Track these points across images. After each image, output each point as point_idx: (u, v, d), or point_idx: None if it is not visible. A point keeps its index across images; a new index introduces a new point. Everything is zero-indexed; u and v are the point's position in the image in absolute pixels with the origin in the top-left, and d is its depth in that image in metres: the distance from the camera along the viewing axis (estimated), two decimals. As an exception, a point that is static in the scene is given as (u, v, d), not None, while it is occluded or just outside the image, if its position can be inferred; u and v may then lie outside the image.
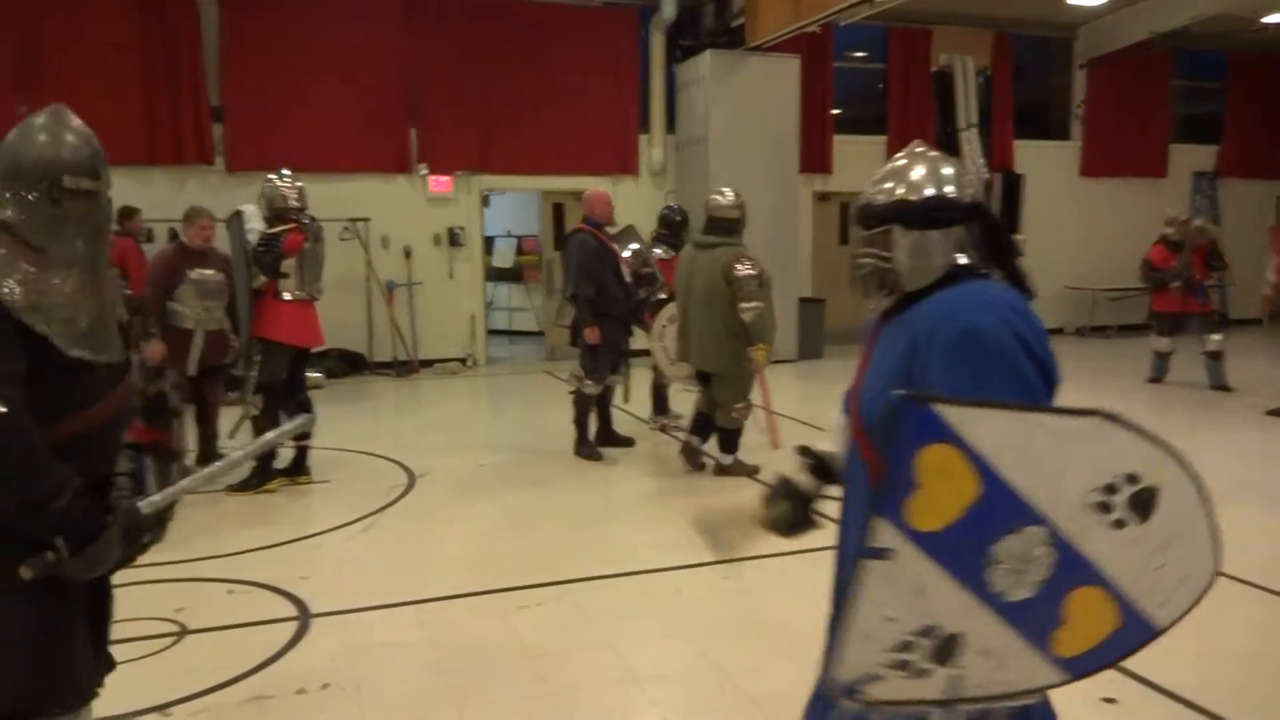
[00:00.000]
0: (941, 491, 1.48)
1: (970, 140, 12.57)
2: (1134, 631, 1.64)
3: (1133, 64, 13.11)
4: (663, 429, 7.47)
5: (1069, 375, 1.82)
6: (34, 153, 2.03)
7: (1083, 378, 9.34)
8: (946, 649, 1.58)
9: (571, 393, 6.69)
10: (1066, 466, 1.51)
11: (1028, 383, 1.67)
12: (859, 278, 1.94)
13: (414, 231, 10.91)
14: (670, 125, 11.64)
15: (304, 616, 3.97)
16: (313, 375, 7.44)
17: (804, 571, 4.26)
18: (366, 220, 10.47)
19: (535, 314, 13.29)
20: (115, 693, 2.43)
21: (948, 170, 1.89)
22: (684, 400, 7.61)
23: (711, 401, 6.09)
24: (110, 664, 2.28)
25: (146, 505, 2.09)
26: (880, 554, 1.51)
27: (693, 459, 6.19)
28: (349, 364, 10.55)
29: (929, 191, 1.86)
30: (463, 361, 11.21)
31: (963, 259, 1.85)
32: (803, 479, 2.12)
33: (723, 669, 3.46)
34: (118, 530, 2.02)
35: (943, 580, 1.53)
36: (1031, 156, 13.04)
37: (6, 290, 1.95)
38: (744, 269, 5.69)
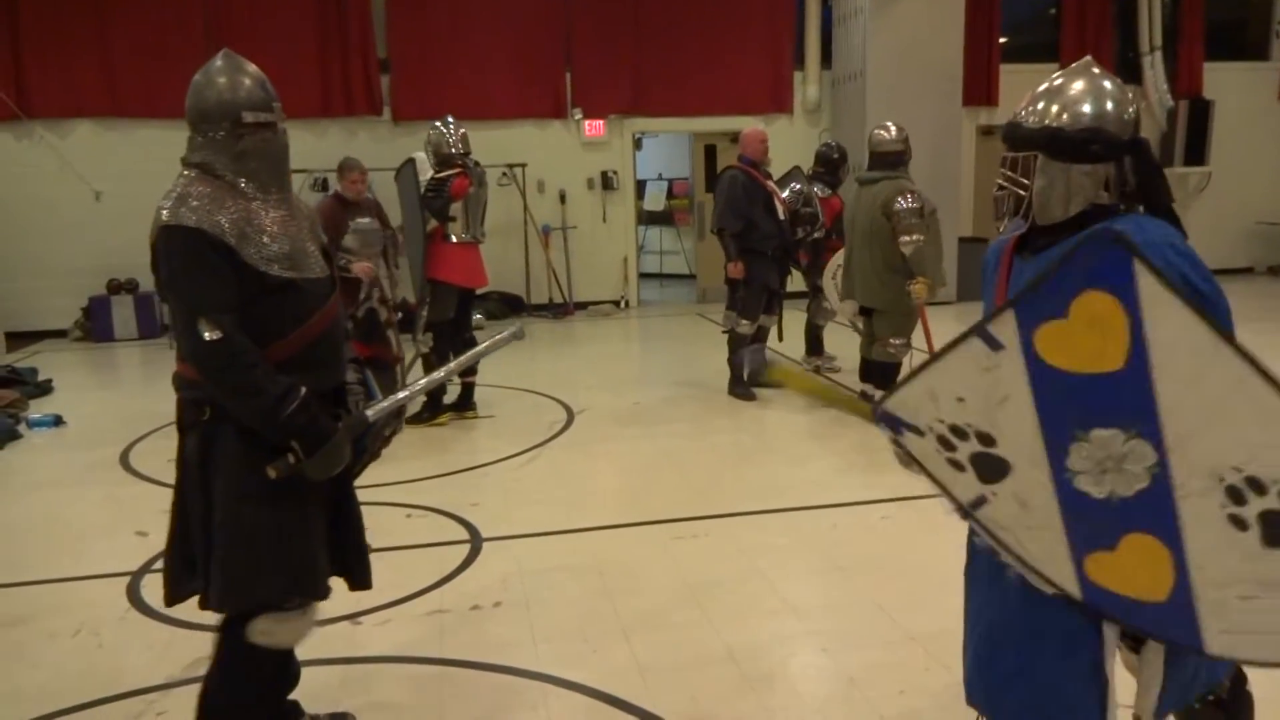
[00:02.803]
0: (1084, 339, 1.41)
1: (1154, 65, 11.72)
2: (1174, 622, 1.53)
3: (1347, -27, 11.81)
4: (816, 370, 7.42)
5: (1253, 317, 1.74)
6: (215, 95, 2.25)
7: (1268, 318, 8.64)
8: (990, 466, 1.59)
9: (725, 332, 6.72)
10: (1227, 424, 1.37)
11: None
12: (993, 198, 1.89)
13: (569, 176, 11.10)
14: (826, 61, 11.33)
15: (475, 540, 4.22)
16: (474, 317, 7.76)
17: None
18: (523, 166, 10.72)
19: (686, 257, 13.33)
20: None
21: (1112, 97, 1.75)
22: (837, 342, 7.53)
23: (870, 338, 6.02)
24: (355, 571, 2.54)
25: (373, 412, 2.34)
26: (991, 340, 1.49)
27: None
28: (508, 306, 10.91)
29: (1086, 122, 1.73)
30: (616, 304, 11.40)
31: (1104, 198, 1.75)
32: None
33: (880, 604, 3.47)
34: (346, 434, 2.25)
35: (1027, 407, 1.50)
36: (1223, 80, 11.98)
37: (218, 225, 2.18)
38: (904, 202, 5.59)
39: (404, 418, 2.64)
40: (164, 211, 2.20)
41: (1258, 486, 1.37)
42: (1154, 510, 1.46)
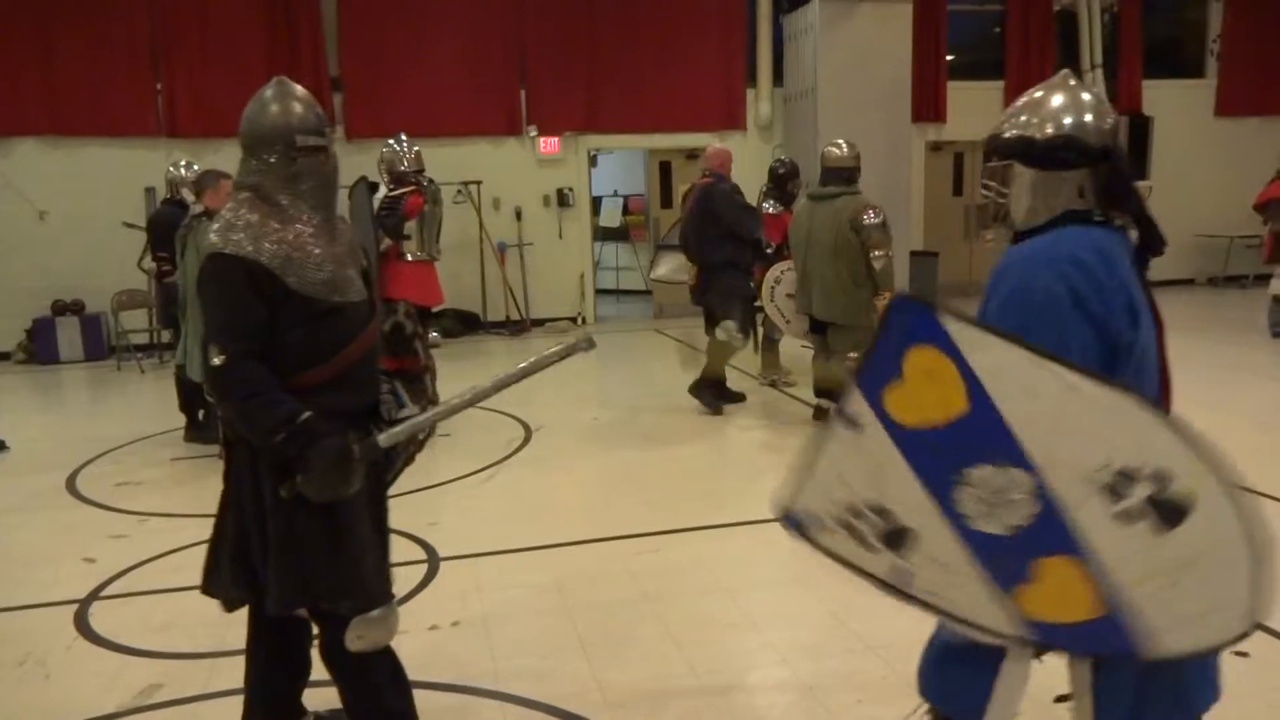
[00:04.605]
0: (925, 392, 1.52)
1: (1095, 81, 12.03)
2: (1117, 635, 1.55)
3: (1276, -8, 12.24)
4: (773, 384, 7.48)
5: (1194, 327, 1.79)
6: (269, 120, 2.33)
7: (1208, 329, 8.90)
8: (896, 537, 1.65)
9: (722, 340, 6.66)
10: (1077, 430, 1.44)
11: (1065, 341, 1.64)
12: (977, 206, 1.97)
13: (524, 193, 11.10)
14: (777, 78, 11.48)
15: (433, 559, 4.19)
16: (430, 335, 7.72)
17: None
18: (479, 183, 10.70)
19: (642, 273, 13.37)
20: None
21: (1086, 108, 1.82)
22: (792, 356, 7.60)
23: (825, 353, 6.07)
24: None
25: (386, 439, 2.37)
26: (849, 419, 1.61)
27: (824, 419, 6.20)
28: (464, 324, 10.87)
29: (1058, 130, 1.80)
30: (573, 320, 11.41)
31: (1079, 204, 1.81)
32: None
33: (839, 615, 3.50)
34: (347, 461, 2.25)
35: (905, 472, 1.58)
36: (1161, 97, 12.36)
37: (264, 251, 2.25)
38: (872, 218, 5.68)
39: (421, 443, 2.62)
40: (213, 236, 2.27)
41: (1129, 477, 1.43)
42: (1053, 530, 1.50)
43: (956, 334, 1.48)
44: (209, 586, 2.50)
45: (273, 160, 2.31)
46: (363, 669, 2.46)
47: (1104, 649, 1.62)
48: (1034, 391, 1.45)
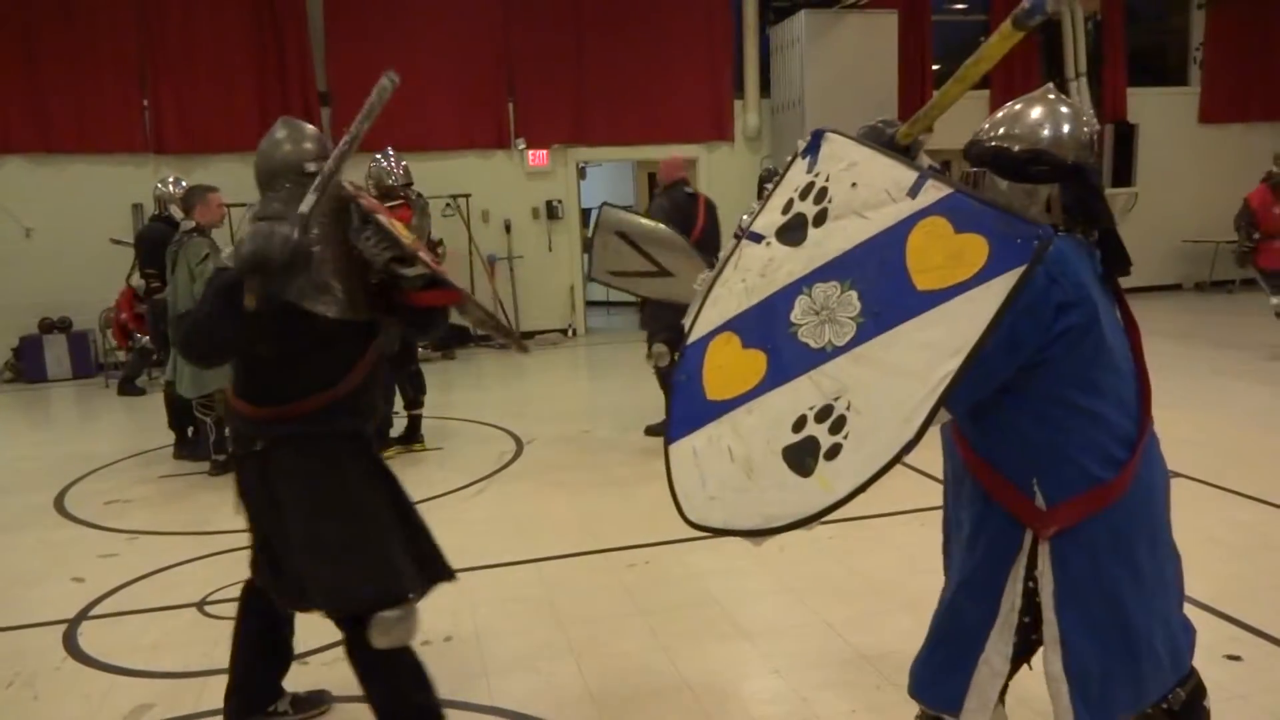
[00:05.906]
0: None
1: (1079, 91, 12.11)
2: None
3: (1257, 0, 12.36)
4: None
5: (1183, 332, 1.81)
6: (280, 154, 2.58)
7: (1197, 334, 8.94)
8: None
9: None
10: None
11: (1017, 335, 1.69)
12: None
13: (513, 206, 11.11)
14: (765, 89, 11.53)
15: (425, 574, 4.17)
16: (418, 348, 7.72)
17: (908, 532, 4.26)
18: (468, 196, 10.71)
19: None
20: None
21: (1064, 120, 1.86)
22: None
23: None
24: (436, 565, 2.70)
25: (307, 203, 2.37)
26: (755, 236, 2.12)
27: None
28: (454, 337, 10.84)
29: (1032, 144, 1.84)
30: (563, 332, 11.41)
31: (1045, 218, 1.83)
32: None
33: (831, 625, 3.50)
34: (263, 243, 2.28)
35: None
36: (1146, 104, 12.45)
37: None
38: None
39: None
40: (224, 255, 2.43)
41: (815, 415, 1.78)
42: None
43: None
44: (284, 602, 2.69)
45: (289, 188, 2.51)
46: (387, 666, 2.54)
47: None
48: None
